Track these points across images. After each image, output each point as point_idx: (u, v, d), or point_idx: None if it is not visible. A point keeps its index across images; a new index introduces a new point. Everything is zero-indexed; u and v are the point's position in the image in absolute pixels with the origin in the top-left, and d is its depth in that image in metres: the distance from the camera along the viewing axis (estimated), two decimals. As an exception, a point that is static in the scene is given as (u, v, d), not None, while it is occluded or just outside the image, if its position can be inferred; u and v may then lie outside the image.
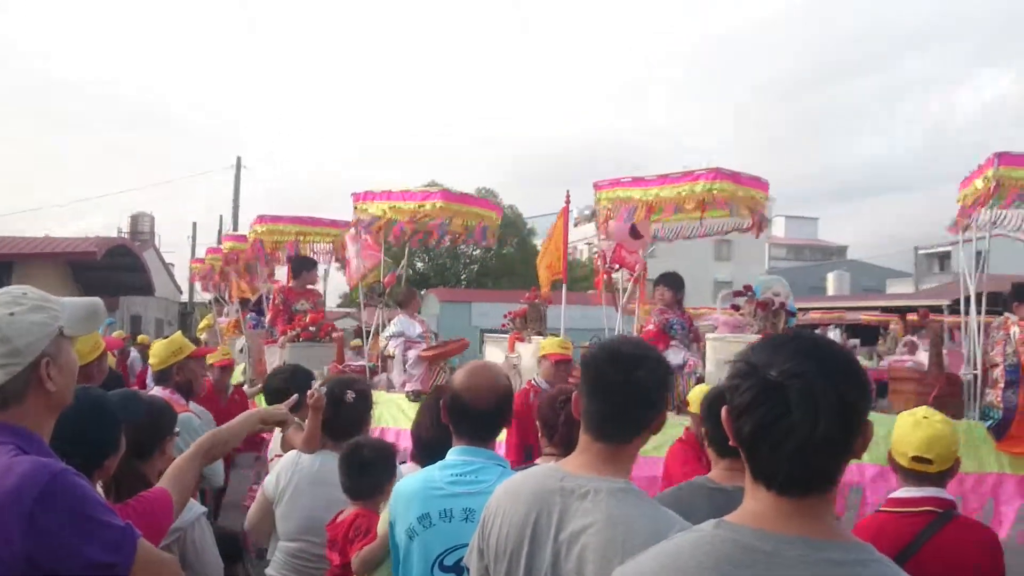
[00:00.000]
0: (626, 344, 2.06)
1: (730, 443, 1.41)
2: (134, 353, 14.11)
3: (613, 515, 1.84)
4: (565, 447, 2.85)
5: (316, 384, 3.87)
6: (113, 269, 27.74)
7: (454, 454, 2.58)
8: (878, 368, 21.42)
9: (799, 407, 1.31)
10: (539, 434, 3.37)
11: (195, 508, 2.99)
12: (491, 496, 2.13)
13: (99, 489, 2.43)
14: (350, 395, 3.74)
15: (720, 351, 6.29)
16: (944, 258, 55.33)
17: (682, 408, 5.57)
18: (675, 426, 4.78)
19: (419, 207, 7.92)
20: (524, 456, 5.28)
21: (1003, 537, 5.59)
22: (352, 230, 8.67)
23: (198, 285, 17.05)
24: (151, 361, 5.18)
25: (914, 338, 12.13)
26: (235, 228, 26.93)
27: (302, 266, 9.52)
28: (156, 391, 4.77)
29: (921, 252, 51.94)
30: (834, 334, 23.37)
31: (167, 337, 5.42)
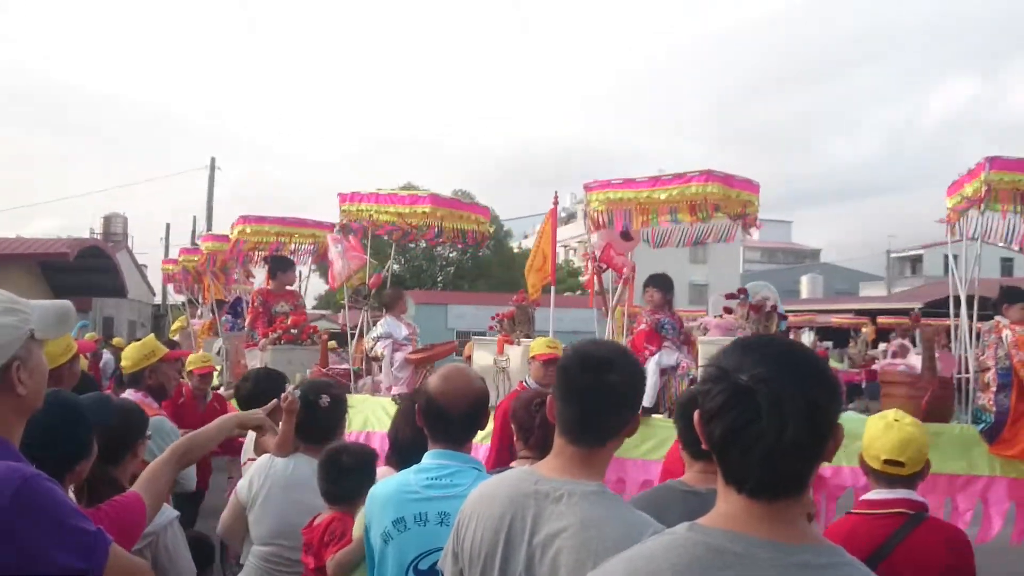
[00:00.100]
0: (599, 347, 2.06)
1: (703, 446, 1.42)
2: (107, 356, 13.96)
3: (587, 518, 1.85)
4: (540, 450, 2.86)
5: (290, 387, 3.85)
6: (85, 271, 27.49)
7: (429, 458, 2.58)
8: (848, 371, 21.66)
9: (769, 412, 1.31)
10: (515, 437, 3.37)
11: (167, 512, 2.97)
12: (466, 499, 2.13)
13: (71, 494, 2.40)
14: (324, 399, 3.71)
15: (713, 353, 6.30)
16: (916, 261, 56.07)
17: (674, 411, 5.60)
18: (671, 428, 4.77)
19: (410, 211, 7.88)
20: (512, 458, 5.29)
21: (992, 538, 5.66)
22: (336, 231, 8.59)
23: (170, 287, 16.86)
24: (123, 364, 5.14)
25: (905, 341, 12.21)
26: (209, 229, 26.74)
27: (278, 266, 9.40)
28: (128, 394, 4.74)
29: (893, 256, 52.54)
30: (807, 337, 23.55)
31: (140, 340, 5.38)
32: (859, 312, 29.69)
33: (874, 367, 22.60)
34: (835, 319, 28.42)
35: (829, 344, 25.35)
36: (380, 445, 5.51)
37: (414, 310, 9.05)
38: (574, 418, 1.98)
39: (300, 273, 10.20)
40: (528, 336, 7.58)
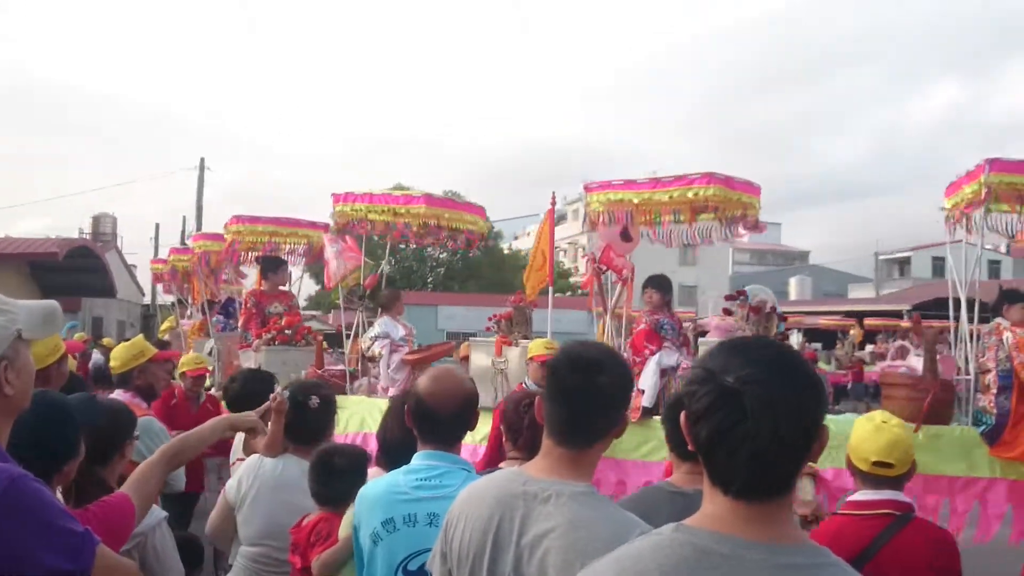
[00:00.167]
0: (588, 349, 2.07)
1: (689, 448, 1.43)
2: (97, 355, 13.87)
3: (575, 519, 1.85)
4: (529, 451, 2.86)
5: (279, 388, 3.85)
6: (74, 271, 27.39)
7: (419, 458, 2.58)
8: (835, 372, 21.75)
9: (755, 413, 1.32)
10: (503, 438, 3.37)
11: (156, 513, 2.97)
12: (455, 500, 2.13)
13: (58, 494, 2.40)
14: (314, 400, 3.71)
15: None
16: (904, 264, 56.34)
17: None
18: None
19: (404, 211, 7.78)
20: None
21: (990, 539, 5.68)
22: (331, 231, 8.51)
23: (159, 287, 16.76)
24: (112, 364, 5.12)
25: (905, 343, 12.21)
26: (198, 229, 26.65)
27: (269, 267, 9.31)
28: (117, 394, 4.73)
29: (881, 258, 52.77)
30: (795, 339, 23.63)
31: (129, 340, 5.37)
32: (847, 314, 29.80)
33: (875, 368, 22.82)
34: (822, 321, 28.51)
35: (818, 346, 25.44)
36: (376, 446, 5.50)
37: (404, 311, 9.01)
38: (563, 419, 1.99)
39: (291, 274, 10.10)
40: (526, 337, 7.54)
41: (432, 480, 2.51)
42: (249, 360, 8.12)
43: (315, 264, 11.40)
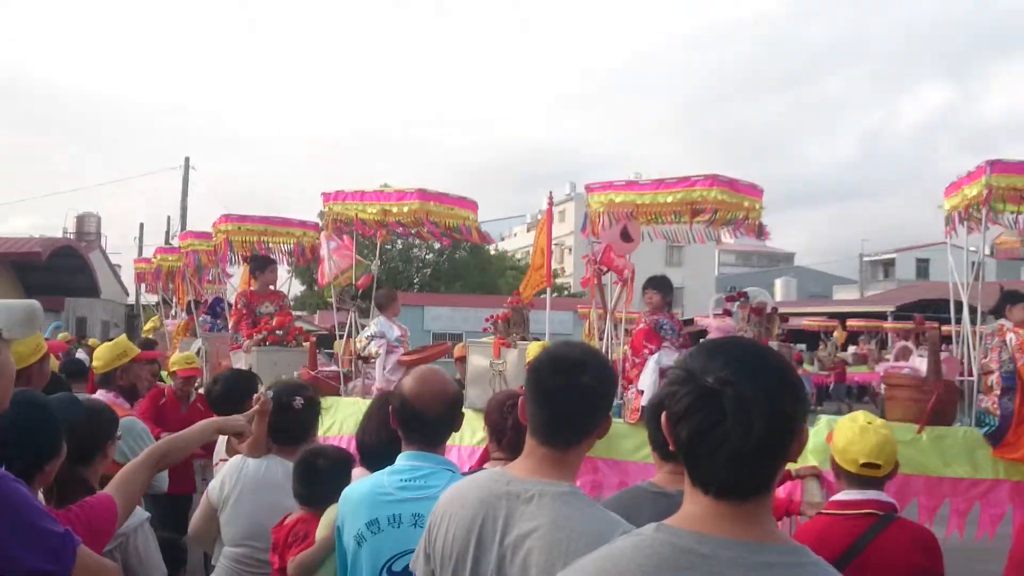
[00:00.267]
0: (571, 349, 2.07)
1: (670, 448, 1.43)
2: (82, 355, 13.79)
3: (558, 519, 1.86)
4: (513, 451, 2.86)
5: (263, 388, 3.84)
6: (58, 270, 27.26)
7: (403, 459, 2.58)
8: (818, 373, 21.86)
9: (734, 414, 1.32)
10: (488, 439, 3.38)
11: (138, 514, 2.96)
12: (438, 501, 2.13)
13: (39, 495, 2.39)
14: (298, 401, 3.71)
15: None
16: (888, 265, 56.71)
17: None
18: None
19: (397, 208, 7.64)
20: None
21: (992, 539, 5.68)
22: (322, 229, 8.41)
23: (142, 286, 16.62)
24: (94, 364, 5.10)
25: (908, 343, 12.23)
26: (183, 228, 26.54)
27: (258, 266, 9.20)
28: (100, 394, 4.70)
29: (866, 259, 53.08)
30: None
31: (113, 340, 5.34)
32: (831, 315, 29.94)
33: (860, 369, 22.97)
34: (805, 322, 28.63)
35: (803, 347, 25.54)
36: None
37: (400, 311, 8.95)
38: (545, 419, 1.99)
39: (280, 274, 9.99)
40: (524, 339, 7.48)
41: (417, 481, 2.51)
42: (239, 361, 8.03)
43: (303, 265, 11.31)
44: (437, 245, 42.15)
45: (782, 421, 1.35)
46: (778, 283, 52.71)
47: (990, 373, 6.06)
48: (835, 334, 25.46)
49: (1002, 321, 6.49)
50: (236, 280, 11.16)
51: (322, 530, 3.17)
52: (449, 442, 6.33)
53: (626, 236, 7.24)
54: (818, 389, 20.68)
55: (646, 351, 6.68)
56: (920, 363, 6.57)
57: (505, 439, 3.16)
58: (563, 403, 1.97)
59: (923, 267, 53.98)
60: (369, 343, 7.95)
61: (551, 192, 8.82)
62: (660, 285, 7.20)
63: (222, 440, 4.32)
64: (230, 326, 9.21)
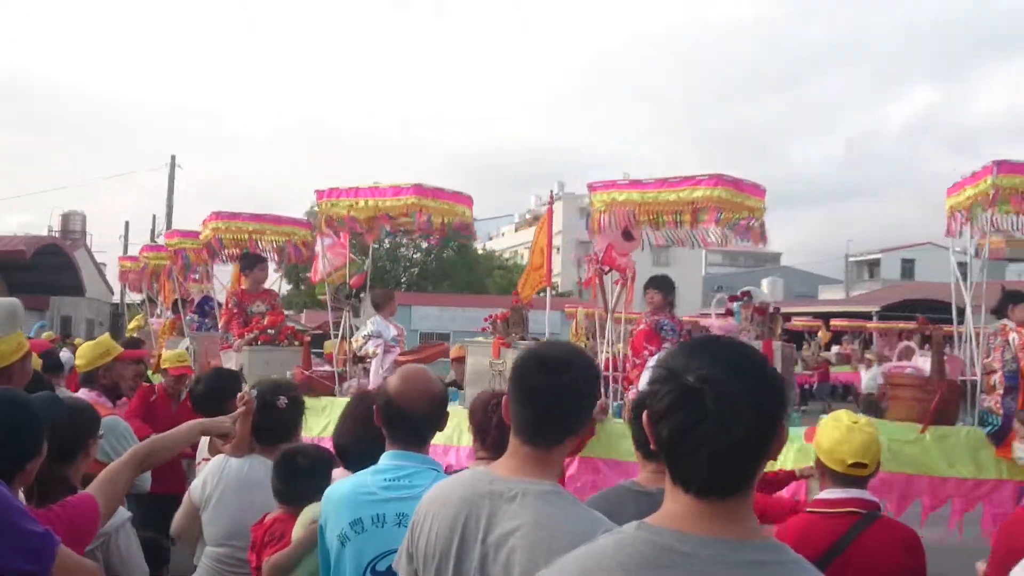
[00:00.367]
0: (554, 348, 2.08)
1: (652, 447, 1.43)
2: (67, 354, 13.68)
3: (540, 517, 1.86)
4: (497, 451, 2.86)
5: (247, 387, 3.82)
6: (43, 269, 27.13)
7: (387, 459, 2.58)
8: (801, 372, 21.96)
9: (715, 412, 1.33)
10: (472, 438, 3.38)
11: (120, 513, 2.94)
12: (421, 500, 2.13)
13: (20, 494, 2.37)
14: (282, 400, 3.69)
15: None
16: (873, 265, 57.02)
17: None
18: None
19: (391, 203, 7.51)
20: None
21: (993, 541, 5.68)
22: (321, 226, 8.28)
23: (127, 284, 16.47)
24: (77, 363, 5.07)
25: (911, 343, 12.26)
26: (168, 227, 26.43)
27: (247, 264, 9.09)
28: (82, 393, 4.68)
29: (851, 260, 53.36)
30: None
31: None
32: (817, 315, 30.11)
33: (844, 369, 23.08)
34: (790, 322, 28.78)
35: (792, 346, 25.63)
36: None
37: (396, 311, 8.88)
38: (529, 419, 1.99)
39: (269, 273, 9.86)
40: (523, 339, 7.45)
41: (401, 480, 2.51)
42: (230, 361, 7.94)
43: (295, 263, 11.22)
44: (425, 244, 42.12)
45: (763, 420, 1.36)
46: (765, 283, 52.82)
47: (993, 373, 6.08)
48: (819, 334, 25.61)
49: (1005, 321, 6.50)
50: (225, 278, 11.05)
51: (298, 530, 3.16)
52: (447, 442, 6.33)
53: (627, 235, 7.20)
54: (801, 389, 20.77)
55: (646, 352, 6.65)
56: (923, 363, 6.56)
57: (489, 438, 3.16)
58: (546, 402, 1.97)
59: (908, 267, 54.33)
60: (366, 343, 7.89)
61: (551, 191, 8.80)
62: (662, 285, 7.17)
63: (204, 439, 4.30)
64: (220, 325, 9.07)
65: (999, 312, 6.78)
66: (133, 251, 20.59)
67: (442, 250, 43.53)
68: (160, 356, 9.79)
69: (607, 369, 6.49)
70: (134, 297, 18.50)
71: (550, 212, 8.53)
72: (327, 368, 7.97)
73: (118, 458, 2.87)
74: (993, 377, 6.05)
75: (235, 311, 8.67)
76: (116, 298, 34.85)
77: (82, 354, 4.95)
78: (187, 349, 9.17)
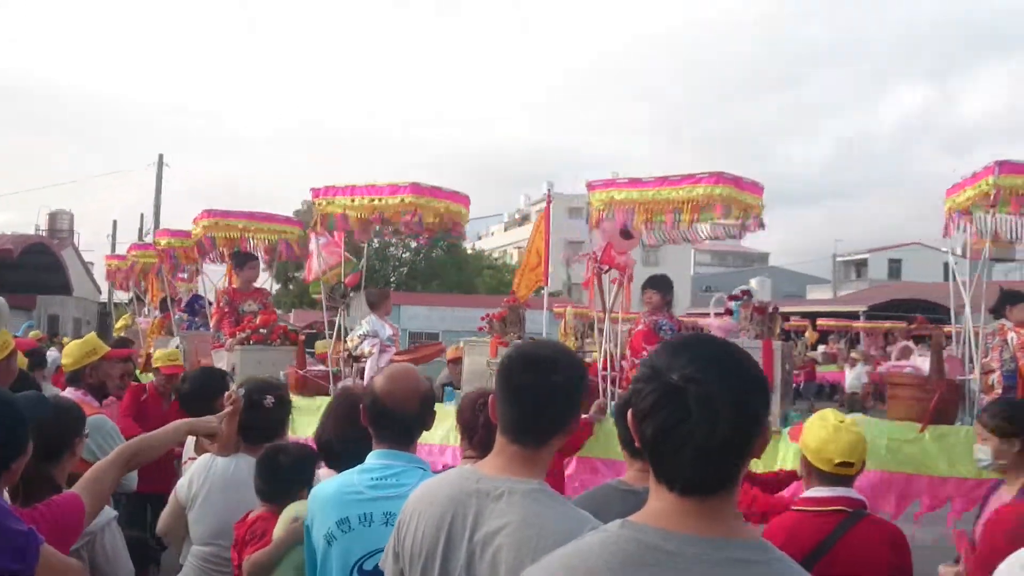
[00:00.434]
0: (541, 347, 2.08)
1: (636, 445, 1.43)
2: (54, 354, 13.60)
3: (527, 516, 1.86)
4: (484, 449, 2.86)
5: (234, 386, 3.81)
6: (30, 268, 27.03)
7: (374, 458, 2.57)
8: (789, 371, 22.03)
9: (698, 411, 1.33)
10: (459, 437, 3.38)
11: (106, 512, 2.93)
12: (408, 499, 2.13)
13: (4, 494, 2.36)
14: (269, 399, 3.69)
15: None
16: (861, 265, 57.28)
17: None
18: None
19: (387, 201, 7.43)
20: None
21: None
22: (316, 225, 8.22)
23: (114, 283, 16.38)
24: (64, 362, 5.05)
25: (909, 343, 12.29)
26: (157, 226, 26.33)
27: (238, 262, 9.02)
28: (68, 392, 4.66)
29: (839, 260, 53.59)
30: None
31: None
32: (805, 314, 30.27)
33: (830, 368, 23.18)
34: (777, 320, 28.92)
35: (780, 346, 25.78)
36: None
37: (391, 311, 8.83)
38: (515, 417, 1.99)
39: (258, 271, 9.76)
40: (520, 338, 7.42)
41: (388, 479, 2.51)
42: (222, 360, 7.90)
43: (283, 263, 11.16)
44: (414, 244, 42.03)
45: (746, 418, 1.36)
46: (753, 282, 52.86)
47: (991, 372, 6.09)
48: (806, 334, 25.73)
49: (1003, 321, 6.52)
50: (214, 277, 10.98)
51: (280, 529, 3.15)
52: (443, 442, 6.30)
53: (626, 233, 7.19)
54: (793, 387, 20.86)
55: (645, 352, 6.63)
56: (922, 362, 6.58)
57: (476, 437, 3.15)
58: (533, 401, 1.97)
59: (895, 267, 54.63)
60: (362, 342, 7.85)
61: (547, 191, 8.79)
62: (660, 285, 7.16)
63: (191, 439, 4.29)
64: (212, 324, 9.02)
65: (997, 312, 6.79)
66: (121, 250, 20.49)
67: (431, 250, 43.50)
68: (148, 355, 9.74)
69: (604, 369, 6.48)
70: (122, 296, 18.42)
71: (547, 212, 8.51)
72: (322, 368, 7.92)
73: (104, 457, 2.86)
74: (991, 376, 6.07)
75: (227, 310, 8.60)
76: (104, 297, 34.74)
77: (68, 353, 4.93)
78: (177, 348, 9.11)
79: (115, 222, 40.07)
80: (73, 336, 18.02)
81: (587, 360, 7.53)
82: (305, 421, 6.16)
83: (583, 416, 5.35)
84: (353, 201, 7.55)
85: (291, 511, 3.17)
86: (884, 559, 2.96)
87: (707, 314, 8.20)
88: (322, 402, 6.97)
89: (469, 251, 48.95)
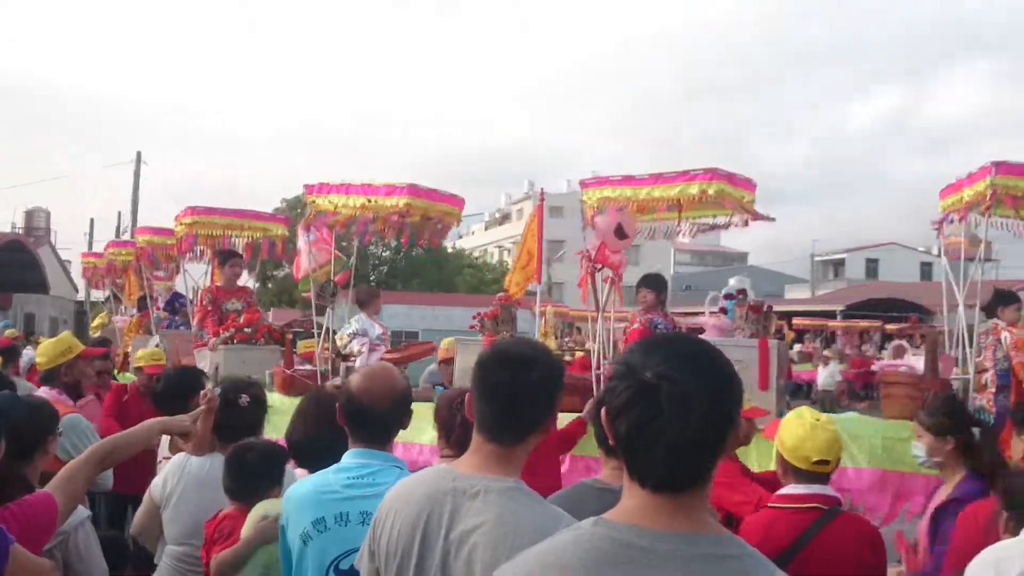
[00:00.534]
0: (517, 345, 2.08)
1: (610, 443, 1.44)
2: (30, 352, 13.45)
3: (503, 514, 1.86)
4: (461, 448, 2.86)
5: (209, 385, 3.79)
6: (6, 266, 26.78)
7: (350, 457, 2.56)
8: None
9: (671, 408, 1.34)
10: (437, 436, 3.37)
11: (79, 512, 2.91)
12: (384, 498, 2.12)
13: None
14: (244, 398, 3.67)
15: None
16: (838, 265, 57.73)
17: None
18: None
19: (386, 201, 7.30)
20: None
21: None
22: (308, 221, 8.10)
23: (91, 281, 16.21)
24: (38, 360, 5.01)
25: (903, 342, 12.36)
26: (134, 224, 26.14)
27: (221, 259, 8.91)
28: (42, 391, 4.62)
29: (817, 260, 53.93)
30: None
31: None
32: (783, 314, 30.45)
33: (806, 367, 23.29)
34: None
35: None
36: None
37: (346, 308, 8.77)
38: (491, 416, 1.99)
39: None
40: (512, 336, 7.40)
41: (365, 478, 2.50)
42: (205, 359, 7.78)
43: (264, 260, 11.05)
44: (394, 243, 41.89)
45: (718, 415, 1.37)
46: (732, 282, 53.12)
47: (984, 371, 6.13)
48: (783, 332, 25.86)
49: (995, 321, 6.56)
50: (196, 275, 10.85)
51: (247, 529, 3.13)
52: (431, 442, 6.27)
53: (620, 232, 7.18)
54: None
55: None
56: (916, 361, 6.61)
57: (453, 436, 3.15)
58: (509, 399, 1.97)
59: (872, 267, 55.16)
60: (351, 341, 7.80)
61: (542, 189, 8.77)
62: (654, 283, 7.14)
63: (165, 438, 4.26)
64: (194, 323, 8.85)
65: (989, 312, 6.83)
66: (99, 248, 20.31)
67: (411, 248, 43.36)
68: (125, 355, 9.62)
69: (598, 368, 6.49)
70: (99, 295, 18.26)
71: (540, 210, 8.50)
72: (309, 367, 7.85)
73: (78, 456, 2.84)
74: (985, 376, 6.11)
75: (209, 308, 8.46)
76: (81, 296, 34.45)
77: (43, 352, 4.89)
78: (157, 347, 9.02)
79: (92, 220, 39.62)
80: (49, 335, 17.85)
81: (566, 359, 7.54)
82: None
83: (577, 415, 5.35)
84: (348, 200, 7.44)
85: (260, 510, 3.15)
86: (860, 556, 2.99)
87: (692, 313, 8.24)
88: (308, 403, 6.92)
89: (450, 250, 48.85)
